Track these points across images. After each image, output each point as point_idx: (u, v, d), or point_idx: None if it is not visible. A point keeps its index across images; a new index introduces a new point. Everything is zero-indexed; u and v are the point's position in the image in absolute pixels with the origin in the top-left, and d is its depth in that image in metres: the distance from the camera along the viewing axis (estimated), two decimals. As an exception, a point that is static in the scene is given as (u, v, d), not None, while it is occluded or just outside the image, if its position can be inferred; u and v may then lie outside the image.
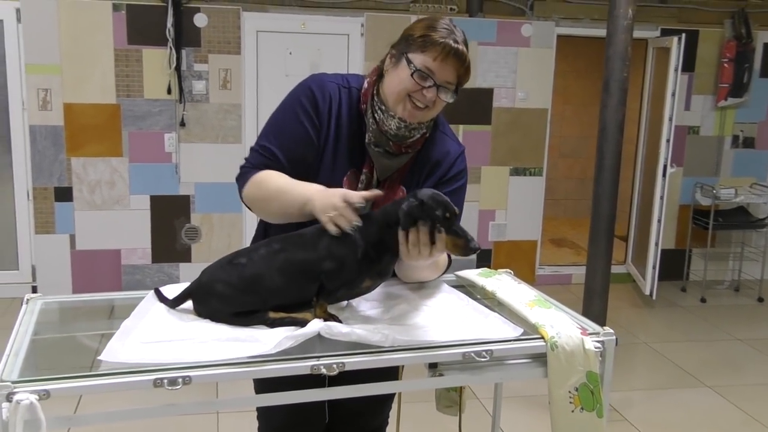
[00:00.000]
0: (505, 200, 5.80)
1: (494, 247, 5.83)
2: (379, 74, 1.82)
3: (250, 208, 1.84)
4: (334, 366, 1.48)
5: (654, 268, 5.39)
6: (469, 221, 5.73)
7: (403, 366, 1.85)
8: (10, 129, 5.03)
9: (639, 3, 4.98)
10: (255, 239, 1.97)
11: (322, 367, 1.48)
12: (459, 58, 1.71)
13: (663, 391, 4.07)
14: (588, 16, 5.76)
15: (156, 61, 5.06)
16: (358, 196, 1.65)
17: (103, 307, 1.93)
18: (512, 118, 5.71)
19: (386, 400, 2.13)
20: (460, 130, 5.59)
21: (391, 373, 1.88)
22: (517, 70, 5.64)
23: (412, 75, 1.71)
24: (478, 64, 5.55)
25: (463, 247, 1.62)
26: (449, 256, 1.89)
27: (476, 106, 5.60)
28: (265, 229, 1.94)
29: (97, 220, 5.15)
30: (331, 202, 1.65)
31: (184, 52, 5.10)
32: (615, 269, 6.04)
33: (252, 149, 1.85)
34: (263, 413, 2.05)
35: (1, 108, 5.02)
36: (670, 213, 5.94)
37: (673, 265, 6.10)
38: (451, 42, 1.70)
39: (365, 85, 1.83)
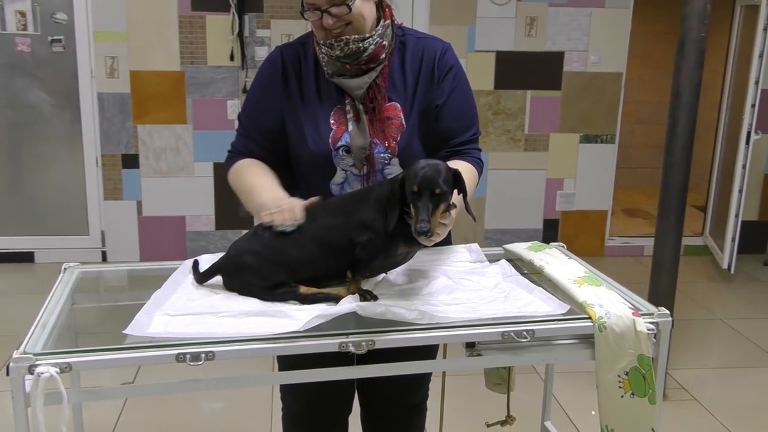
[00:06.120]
0: (574, 168, 5.59)
1: (562, 216, 5.64)
2: None
3: None
4: (363, 344, 1.42)
5: (733, 240, 5.10)
6: (535, 190, 5.56)
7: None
8: (79, 97, 5.12)
9: (722, -43, 4.66)
10: None
11: (350, 345, 1.41)
12: None
13: (738, 370, 3.86)
14: (667, -27, 5.43)
15: (219, 27, 5.05)
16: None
17: (139, 278, 1.91)
18: (584, 83, 5.46)
19: (424, 375, 2.06)
20: (528, 95, 5.40)
21: (428, 350, 1.80)
22: (590, 32, 5.39)
23: (303, 17, 1.75)
24: (549, 26, 5.32)
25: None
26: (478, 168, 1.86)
27: (545, 70, 5.39)
28: None
29: (163, 187, 5.23)
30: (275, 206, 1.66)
31: (246, 18, 5.07)
32: (691, 241, 5.79)
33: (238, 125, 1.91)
34: (287, 394, 2.02)
35: (71, 76, 5.11)
36: (753, 182, 5.61)
37: (755, 238, 5.77)
38: None
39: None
